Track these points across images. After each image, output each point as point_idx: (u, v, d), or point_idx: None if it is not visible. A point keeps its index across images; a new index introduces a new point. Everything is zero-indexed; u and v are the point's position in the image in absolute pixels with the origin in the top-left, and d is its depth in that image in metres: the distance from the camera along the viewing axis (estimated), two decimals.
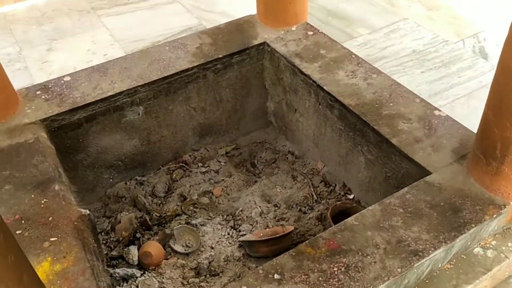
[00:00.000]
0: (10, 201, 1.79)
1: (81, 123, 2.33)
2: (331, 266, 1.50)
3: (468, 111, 2.75)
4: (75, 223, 1.73)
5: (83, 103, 2.28)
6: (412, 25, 3.45)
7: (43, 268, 1.57)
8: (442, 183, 1.77)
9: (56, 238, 1.66)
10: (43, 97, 2.32)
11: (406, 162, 1.95)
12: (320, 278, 1.46)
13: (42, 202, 1.79)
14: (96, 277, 1.56)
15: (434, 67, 3.06)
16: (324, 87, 2.31)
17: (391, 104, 2.17)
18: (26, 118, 2.20)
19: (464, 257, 1.76)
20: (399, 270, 1.47)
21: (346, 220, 1.66)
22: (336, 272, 1.48)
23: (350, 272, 1.48)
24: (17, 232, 1.68)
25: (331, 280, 1.46)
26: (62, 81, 2.42)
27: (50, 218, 1.73)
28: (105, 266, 2.13)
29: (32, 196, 1.81)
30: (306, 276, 1.47)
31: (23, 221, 1.72)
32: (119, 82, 2.40)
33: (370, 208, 1.70)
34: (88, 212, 1.84)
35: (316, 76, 2.39)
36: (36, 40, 3.59)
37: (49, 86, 2.39)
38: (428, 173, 1.84)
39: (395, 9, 3.64)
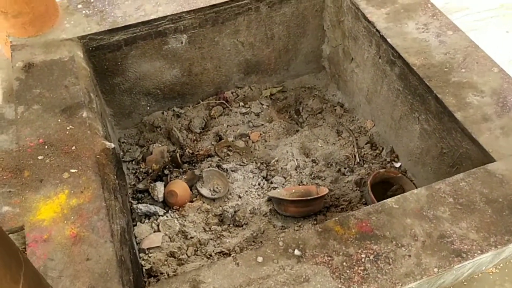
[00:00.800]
0: (36, 122, 1.73)
1: (121, 45, 2.19)
2: (359, 251, 1.35)
3: None
4: (98, 156, 1.65)
5: (124, 24, 2.13)
6: None
7: (59, 200, 1.51)
8: (505, 175, 1.52)
9: (76, 170, 1.59)
10: (83, 12, 2.18)
11: (468, 142, 1.70)
12: (344, 263, 1.32)
13: (68, 128, 1.71)
14: (111, 218, 1.50)
15: None
16: (388, 39, 2.02)
17: (463, 70, 1.87)
18: (64, 33, 2.08)
19: None
20: (435, 270, 1.30)
21: (384, 201, 1.47)
22: (363, 260, 1.33)
23: (379, 262, 1.32)
24: (39, 157, 1.62)
25: (356, 267, 1.31)
26: None
27: (74, 147, 1.65)
28: (129, 199, 2.10)
29: (59, 120, 1.74)
30: (329, 258, 1.34)
31: (46, 146, 1.65)
32: (164, 5, 2.21)
33: (414, 191, 1.50)
34: (113, 145, 1.75)
35: (381, 25, 2.09)
36: None
37: (91, 0, 2.23)
38: (491, 159, 1.59)
39: None
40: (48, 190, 1.53)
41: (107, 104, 2.38)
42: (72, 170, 1.59)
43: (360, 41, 2.28)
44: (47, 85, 1.86)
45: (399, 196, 1.49)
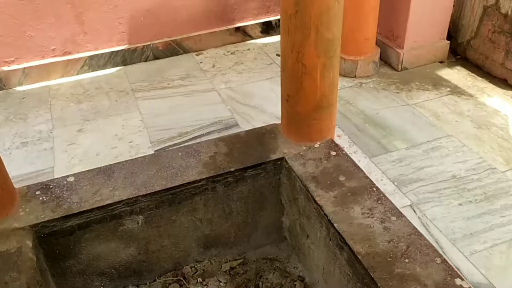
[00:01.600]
0: None
1: (74, 230, 2.21)
2: None
3: (507, 264, 2.34)
4: None
5: (78, 211, 2.18)
6: (456, 144, 3.13)
7: None
8: None
9: None
10: (40, 198, 2.24)
11: None
12: None
13: None
14: None
15: (474, 200, 2.71)
16: (335, 224, 2.06)
17: (406, 260, 1.87)
18: (17, 222, 2.12)
19: None
20: None
21: None
22: None
23: None
24: None
25: None
26: (65, 182, 2.34)
27: None
28: None
29: None
30: None
31: None
32: (121, 189, 2.29)
33: None
34: None
35: (328, 209, 2.15)
36: (70, 119, 3.65)
37: (51, 186, 2.32)
38: None
39: (439, 123, 3.35)
40: None
41: (58, 287, 2.32)
42: None
43: (312, 220, 2.32)
44: None
45: None
